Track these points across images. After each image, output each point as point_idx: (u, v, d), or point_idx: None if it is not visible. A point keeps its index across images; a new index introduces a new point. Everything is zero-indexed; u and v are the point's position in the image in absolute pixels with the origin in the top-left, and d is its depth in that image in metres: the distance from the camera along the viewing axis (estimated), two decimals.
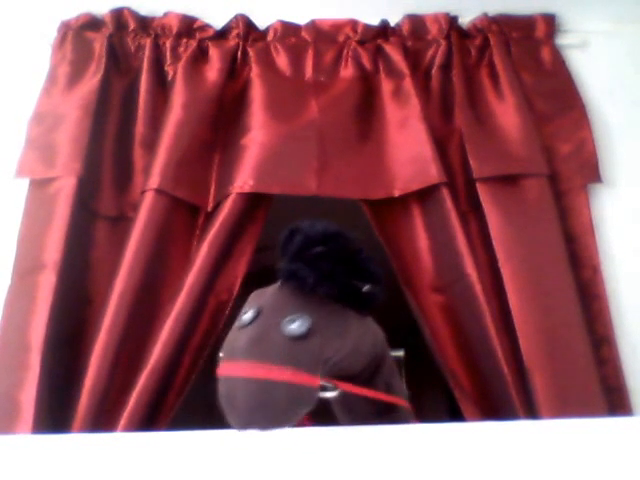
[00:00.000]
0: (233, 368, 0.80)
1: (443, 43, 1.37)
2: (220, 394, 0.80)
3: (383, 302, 0.90)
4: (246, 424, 0.77)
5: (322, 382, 0.83)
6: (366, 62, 1.36)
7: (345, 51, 1.37)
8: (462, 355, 1.17)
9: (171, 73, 1.34)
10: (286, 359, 0.79)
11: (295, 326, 0.81)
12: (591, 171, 1.28)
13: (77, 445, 0.75)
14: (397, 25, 1.40)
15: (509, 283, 1.15)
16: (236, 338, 0.83)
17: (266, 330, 0.81)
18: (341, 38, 1.39)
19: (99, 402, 1.06)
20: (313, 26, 1.39)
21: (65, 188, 1.18)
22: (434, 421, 0.77)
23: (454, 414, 1.21)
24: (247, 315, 0.84)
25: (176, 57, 1.35)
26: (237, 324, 0.85)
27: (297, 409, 0.79)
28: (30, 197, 1.21)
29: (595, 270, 1.22)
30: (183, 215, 1.23)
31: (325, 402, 0.97)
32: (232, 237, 1.19)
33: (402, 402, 1.01)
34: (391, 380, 1.02)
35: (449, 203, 1.20)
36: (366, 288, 0.88)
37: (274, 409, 0.77)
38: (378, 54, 1.37)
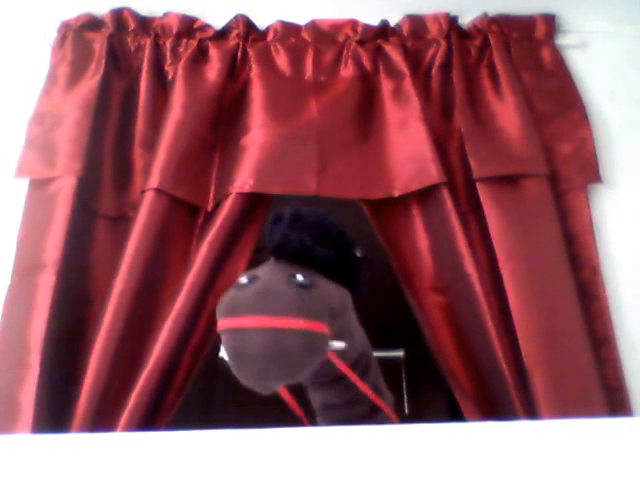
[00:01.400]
0: (241, 322, 0.80)
1: (443, 43, 1.37)
2: (228, 348, 0.80)
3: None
4: (260, 375, 0.77)
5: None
6: (366, 62, 1.36)
7: (345, 51, 1.38)
8: (462, 355, 1.17)
9: (171, 73, 1.34)
10: (296, 310, 0.79)
11: (299, 277, 0.81)
12: (591, 171, 1.28)
13: (77, 445, 0.75)
14: (397, 25, 1.40)
15: (509, 283, 1.15)
16: (236, 296, 0.83)
17: (271, 285, 0.81)
18: (341, 38, 1.39)
19: (99, 402, 1.06)
20: (313, 26, 1.39)
21: (65, 188, 1.18)
22: (434, 421, 0.77)
23: (454, 414, 1.21)
24: (242, 280, 0.84)
25: (176, 57, 1.35)
26: (233, 288, 0.85)
27: (312, 356, 0.80)
28: (30, 197, 1.21)
29: (595, 270, 1.22)
30: (183, 215, 1.23)
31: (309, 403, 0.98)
32: (232, 237, 1.19)
33: (389, 410, 1.01)
34: (379, 384, 1.02)
35: (449, 203, 1.20)
36: (359, 252, 0.90)
37: (289, 357, 0.77)
38: (378, 54, 1.37)
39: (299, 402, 0.97)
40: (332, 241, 0.88)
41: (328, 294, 0.86)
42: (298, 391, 0.96)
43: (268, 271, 0.86)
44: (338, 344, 0.86)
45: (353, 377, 0.93)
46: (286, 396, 0.94)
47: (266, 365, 0.77)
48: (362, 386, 0.94)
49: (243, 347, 0.79)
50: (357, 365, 0.95)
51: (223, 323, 0.82)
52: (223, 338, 0.82)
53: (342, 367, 0.91)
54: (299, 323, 0.78)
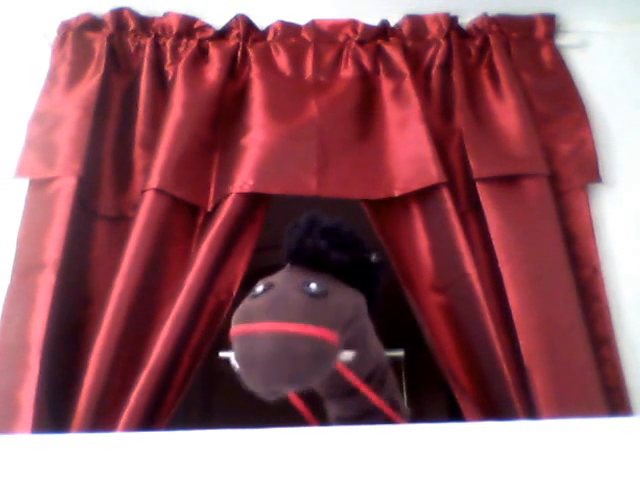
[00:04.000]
0: (251, 327, 0.80)
1: (443, 43, 1.37)
2: (238, 353, 0.80)
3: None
4: (267, 379, 0.76)
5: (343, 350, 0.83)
6: (366, 62, 1.36)
7: (345, 51, 1.38)
8: (462, 355, 1.17)
9: (171, 73, 1.34)
10: (307, 317, 0.79)
11: (314, 286, 0.81)
12: (591, 171, 1.28)
13: (76, 445, 0.75)
14: (397, 25, 1.40)
15: (509, 283, 1.15)
16: (250, 304, 0.83)
17: (284, 293, 0.82)
18: (341, 38, 1.39)
19: (99, 401, 1.06)
20: (313, 26, 1.39)
21: (65, 188, 1.18)
22: (434, 421, 0.77)
23: (454, 414, 1.21)
24: (258, 288, 0.85)
25: (176, 57, 1.35)
26: (249, 297, 0.85)
27: (319, 364, 0.79)
28: (30, 197, 1.21)
29: (595, 270, 1.22)
30: (183, 215, 1.23)
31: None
32: (232, 237, 1.19)
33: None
34: (395, 397, 1.01)
35: (449, 203, 1.20)
36: (374, 257, 0.90)
37: (297, 362, 0.76)
38: (378, 54, 1.37)
39: (311, 409, 0.97)
40: (348, 246, 0.88)
41: (342, 304, 0.85)
42: (311, 399, 0.96)
43: (283, 278, 0.86)
44: (348, 354, 0.85)
45: (366, 390, 0.92)
46: (296, 401, 0.94)
47: (273, 369, 0.77)
48: (377, 400, 0.94)
49: (252, 351, 0.79)
50: (373, 377, 0.95)
51: (235, 330, 0.82)
52: (235, 344, 0.82)
53: (354, 380, 0.90)
54: (309, 329, 0.78)
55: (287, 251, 0.89)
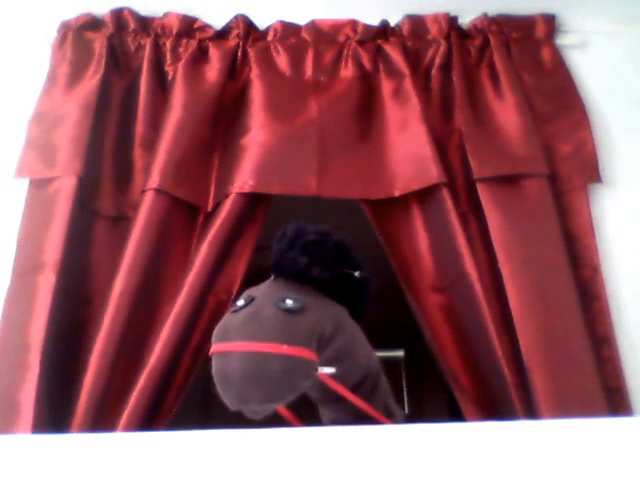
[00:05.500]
0: (227, 346, 0.82)
1: (443, 43, 1.37)
2: (214, 372, 0.82)
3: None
4: (241, 399, 0.77)
5: (324, 369, 0.83)
6: (366, 62, 1.36)
7: (345, 51, 1.38)
8: (462, 355, 1.17)
9: (171, 73, 1.34)
10: (280, 335, 0.80)
11: (288, 302, 0.82)
12: (591, 171, 1.28)
13: (77, 445, 0.75)
14: (397, 25, 1.40)
15: (509, 283, 1.15)
16: (229, 321, 0.85)
17: (259, 309, 0.83)
18: (341, 38, 1.39)
19: (99, 402, 1.06)
20: (313, 26, 1.39)
21: (65, 188, 1.18)
22: (434, 421, 0.77)
23: (454, 414, 1.21)
24: (239, 302, 0.86)
25: (176, 57, 1.35)
26: (230, 311, 0.87)
27: (293, 380, 0.80)
28: (30, 197, 1.21)
29: (595, 270, 1.22)
30: (183, 215, 1.23)
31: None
32: (232, 237, 1.19)
33: None
34: (389, 404, 1.01)
35: (449, 203, 1.20)
36: (358, 273, 0.89)
37: (269, 381, 0.78)
38: (378, 54, 1.37)
39: (299, 414, 0.97)
40: (331, 261, 0.88)
41: (319, 319, 0.85)
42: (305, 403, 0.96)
43: (264, 292, 0.87)
44: (328, 369, 0.85)
45: (354, 399, 0.92)
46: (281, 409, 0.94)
47: (246, 388, 0.78)
48: (366, 407, 0.94)
49: (225, 370, 0.80)
50: (361, 385, 0.95)
51: (213, 348, 0.84)
52: (213, 363, 0.83)
53: (339, 389, 0.90)
54: (281, 348, 0.79)
55: (270, 263, 0.89)
